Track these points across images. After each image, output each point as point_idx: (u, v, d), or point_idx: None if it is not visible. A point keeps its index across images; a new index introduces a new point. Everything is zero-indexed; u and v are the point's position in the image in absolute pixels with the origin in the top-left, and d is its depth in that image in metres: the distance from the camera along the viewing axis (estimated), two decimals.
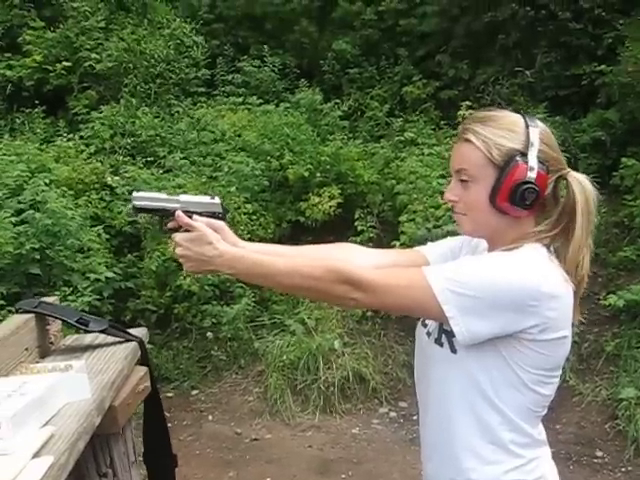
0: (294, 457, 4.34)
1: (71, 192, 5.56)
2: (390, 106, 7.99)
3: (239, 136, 6.81)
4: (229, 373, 5.33)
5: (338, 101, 7.63)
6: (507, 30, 7.55)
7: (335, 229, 6.30)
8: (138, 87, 7.09)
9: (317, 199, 6.25)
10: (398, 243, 5.38)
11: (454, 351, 1.51)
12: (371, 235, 6.00)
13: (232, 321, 5.24)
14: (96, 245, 5.23)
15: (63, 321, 1.57)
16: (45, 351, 1.55)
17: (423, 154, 6.23)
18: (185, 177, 5.96)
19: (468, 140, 1.51)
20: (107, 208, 5.69)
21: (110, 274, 5.09)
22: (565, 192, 1.54)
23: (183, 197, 1.62)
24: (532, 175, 1.47)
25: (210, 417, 4.86)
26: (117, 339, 1.59)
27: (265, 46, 8.37)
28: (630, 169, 5.97)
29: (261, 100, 7.53)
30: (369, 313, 5.52)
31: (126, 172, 5.97)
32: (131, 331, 1.63)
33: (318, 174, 6.38)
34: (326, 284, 1.47)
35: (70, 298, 4.71)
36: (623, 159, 6.07)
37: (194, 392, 5.15)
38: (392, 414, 4.89)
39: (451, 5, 7.87)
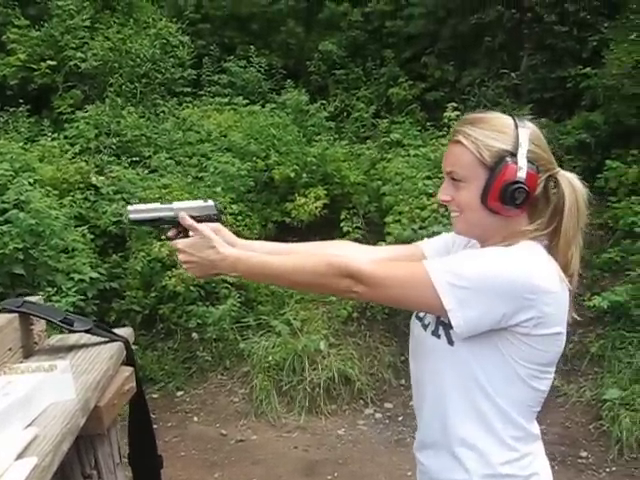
0: (280, 458, 4.32)
1: (55, 192, 5.52)
2: (376, 107, 8.02)
3: (225, 136, 6.80)
4: (214, 374, 5.31)
5: (324, 102, 7.63)
6: (493, 32, 7.59)
7: (321, 230, 6.29)
8: (123, 87, 7.06)
9: (303, 200, 6.24)
10: (384, 244, 5.38)
11: (451, 343, 1.52)
12: (357, 236, 5.99)
13: (217, 322, 5.22)
14: (80, 245, 5.19)
15: (47, 320, 1.56)
16: (29, 351, 1.53)
17: (409, 155, 6.25)
18: (171, 177, 5.94)
19: (459, 142, 1.53)
20: (92, 208, 5.65)
21: (95, 274, 5.06)
22: (555, 190, 1.56)
23: (176, 204, 1.65)
24: (522, 175, 1.49)
25: (195, 418, 4.83)
26: (102, 339, 1.57)
27: (251, 46, 8.36)
28: (614, 171, 6.02)
29: (247, 100, 7.53)
30: (355, 314, 5.52)
31: (111, 172, 5.94)
32: (116, 331, 1.62)
33: (304, 175, 6.37)
34: (329, 279, 1.50)
35: (54, 298, 4.67)
36: (607, 161, 6.12)
37: (179, 393, 5.12)
38: (378, 415, 4.89)
39: (437, 7, 7.90)
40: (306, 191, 6.32)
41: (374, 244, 5.66)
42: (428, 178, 5.77)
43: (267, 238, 6.15)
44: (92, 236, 5.42)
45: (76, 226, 5.35)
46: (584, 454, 4.32)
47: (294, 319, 5.40)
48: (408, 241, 5.44)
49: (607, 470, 4.20)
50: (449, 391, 1.55)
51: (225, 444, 4.52)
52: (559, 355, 1.55)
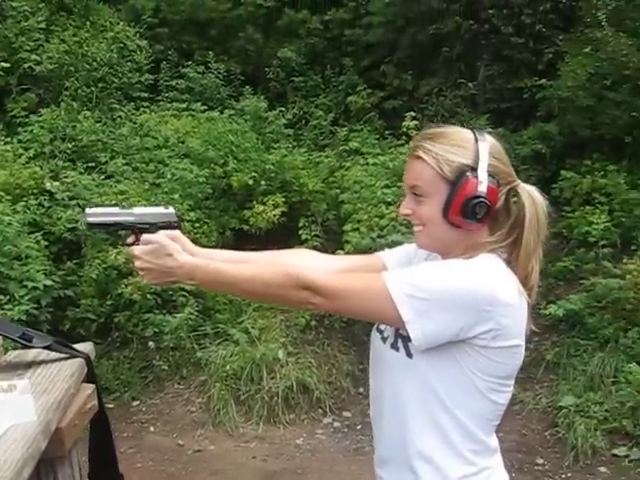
0: (238, 469, 4.28)
1: (8, 197, 5.38)
2: (335, 115, 8.05)
3: (182, 142, 6.72)
4: (171, 383, 5.24)
5: (283, 109, 7.61)
6: (451, 42, 7.67)
7: (279, 238, 6.26)
8: (79, 90, 6.93)
9: (261, 207, 6.21)
10: (342, 252, 5.37)
11: (410, 355, 1.52)
12: (315, 244, 5.97)
13: (174, 330, 5.14)
14: (34, 252, 5.07)
15: (5, 337, 1.50)
16: None
17: (368, 164, 6.27)
18: (127, 183, 5.85)
19: (419, 157, 1.54)
20: (46, 214, 5.52)
21: (49, 282, 4.94)
22: (515, 203, 1.57)
23: (137, 210, 1.62)
24: (482, 189, 1.50)
25: (152, 428, 4.76)
26: (62, 355, 1.52)
27: (210, 52, 8.29)
28: (568, 181, 6.13)
29: (205, 107, 7.45)
30: (313, 322, 5.50)
31: (66, 177, 5.82)
32: (77, 346, 1.56)
33: (262, 182, 6.35)
34: (286, 290, 1.49)
35: (7, 307, 4.55)
36: (562, 171, 6.24)
37: (135, 403, 5.04)
38: (336, 424, 4.88)
39: (396, 16, 7.95)
40: (264, 199, 6.30)
41: (333, 252, 5.69)
42: (387, 187, 5.80)
43: (225, 246, 6.10)
44: (46, 243, 5.30)
45: (30, 232, 5.22)
46: (540, 461, 4.37)
47: (252, 327, 5.36)
48: (367, 250, 5.46)
49: (563, 476, 4.25)
50: (408, 404, 1.54)
51: (182, 455, 4.45)
52: (518, 368, 1.57)
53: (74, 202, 5.61)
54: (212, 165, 6.34)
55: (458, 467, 1.53)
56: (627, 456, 4.36)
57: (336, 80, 8.44)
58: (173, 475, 4.22)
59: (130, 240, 1.60)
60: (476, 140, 1.53)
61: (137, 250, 1.56)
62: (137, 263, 1.56)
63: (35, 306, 4.77)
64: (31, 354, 1.55)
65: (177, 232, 1.64)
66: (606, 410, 4.59)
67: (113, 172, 6.08)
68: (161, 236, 1.56)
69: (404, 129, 6.32)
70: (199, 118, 7.18)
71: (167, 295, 5.38)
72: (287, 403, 4.93)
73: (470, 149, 1.52)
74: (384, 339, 1.61)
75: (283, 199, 6.27)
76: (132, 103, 7.42)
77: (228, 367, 5.01)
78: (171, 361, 5.31)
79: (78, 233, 5.49)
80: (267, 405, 4.86)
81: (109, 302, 5.31)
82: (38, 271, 4.95)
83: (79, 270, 5.43)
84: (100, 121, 6.75)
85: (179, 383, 5.23)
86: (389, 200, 5.66)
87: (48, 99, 6.90)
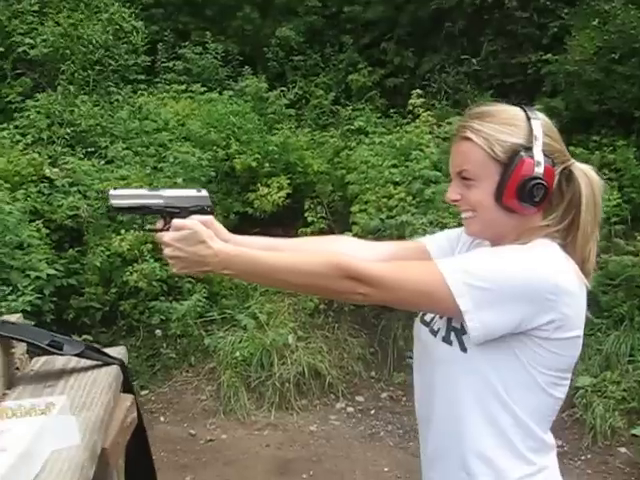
0: (252, 458, 4.20)
1: (7, 185, 5.26)
2: (335, 94, 7.91)
3: (183, 125, 6.58)
4: (179, 371, 5.15)
5: (284, 89, 7.46)
6: (453, 18, 7.53)
7: (284, 220, 6.16)
8: (76, 74, 6.76)
9: (266, 190, 6.09)
10: (350, 234, 5.27)
11: (464, 350, 1.42)
12: (322, 226, 5.88)
13: (182, 318, 5.05)
14: (36, 241, 4.95)
15: (33, 345, 1.36)
16: (11, 380, 1.33)
17: (374, 143, 6.14)
18: (129, 168, 5.72)
19: (467, 138, 1.44)
20: (46, 201, 5.39)
21: (52, 271, 4.82)
22: (569, 184, 1.47)
23: (166, 192, 1.47)
24: (539, 170, 1.41)
25: (162, 418, 4.67)
26: (94, 362, 1.39)
27: (207, 32, 8.13)
28: (577, 157, 5.85)
29: (205, 88, 7.30)
30: (322, 306, 5.40)
31: (65, 163, 5.68)
32: (109, 351, 1.43)
33: (266, 164, 6.22)
34: (331, 280, 1.38)
35: (10, 298, 4.44)
36: (570, 147, 6.03)
37: (143, 392, 4.93)
38: (349, 409, 4.80)
39: None
40: (268, 181, 6.17)
41: (340, 234, 5.61)
42: (394, 166, 5.68)
43: (228, 229, 5.97)
44: (47, 231, 5.17)
45: (30, 221, 5.09)
46: (559, 442, 4.27)
47: (260, 312, 5.26)
48: (376, 231, 5.37)
49: (582, 458, 4.18)
50: (463, 402, 1.44)
51: (195, 444, 4.37)
52: (576, 359, 1.47)
53: (74, 188, 5.49)
54: (214, 148, 6.21)
55: (517, 467, 1.44)
56: None
57: (336, 58, 8.31)
58: (187, 466, 4.13)
59: (159, 225, 1.46)
60: (528, 118, 1.43)
61: (167, 236, 1.41)
62: (166, 251, 1.42)
63: (38, 296, 4.66)
64: (60, 361, 1.42)
65: (210, 217, 1.50)
66: (624, 389, 4.52)
67: (113, 157, 5.94)
68: (194, 221, 1.42)
69: (410, 107, 6.19)
70: (199, 100, 7.03)
71: (173, 282, 5.27)
72: (299, 389, 4.85)
73: (522, 127, 1.42)
74: (434, 332, 1.50)
75: (287, 181, 6.14)
76: (129, 86, 7.26)
77: (238, 353, 4.91)
78: (179, 349, 5.22)
79: (80, 220, 5.38)
80: (279, 391, 4.78)
81: (114, 290, 5.21)
82: (40, 260, 4.83)
83: (82, 258, 5.31)
84: (98, 105, 6.60)
85: (187, 371, 5.14)
86: (397, 180, 5.55)
87: (44, 83, 6.74)
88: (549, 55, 6.67)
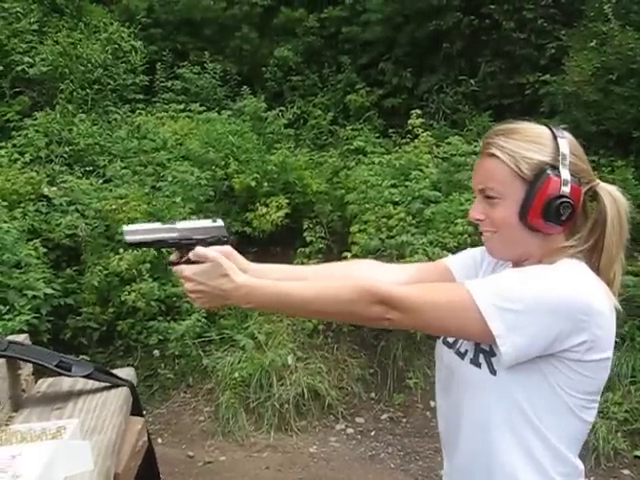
0: None
1: (5, 203, 5.23)
2: (334, 114, 7.92)
3: (181, 144, 6.58)
4: (177, 392, 5.09)
5: (282, 109, 7.47)
6: (451, 39, 7.56)
7: (282, 240, 6.15)
8: (74, 93, 6.76)
9: (264, 209, 6.06)
10: (350, 254, 5.25)
11: (493, 372, 1.39)
12: (320, 246, 5.86)
13: (180, 338, 5.00)
14: (33, 260, 4.90)
15: (40, 366, 1.32)
16: (17, 401, 1.29)
17: (373, 163, 6.13)
18: (127, 187, 5.69)
19: (493, 155, 1.42)
20: (44, 220, 5.36)
21: (49, 290, 4.78)
22: (594, 204, 1.45)
23: (181, 224, 1.43)
24: (566, 189, 1.38)
25: (159, 440, 4.61)
26: (102, 384, 1.34)
27: (205, 52, 8.15)
28: None
29: (203, 107, 7.31)
30: (321, 326, 5.37)
31: (64, 182, 5.66)
32: (117, 372, 1.39)
33: (265, 184, 6.20)
34: (359, 306, 1.35)
35: (7, 317, 4.40)
36: None
37: None
38: (349, 430, 4.74)
39: (395, 13, 7.82)
40: (267, 200, 6.15)
41: (339, 254, 5.58)
42: (394, 186, 5.67)
43: None
44: (45, 250, 5.14)
45: (28, 239, 5.06)
46: None
47: (258, 333, 5.22)
48: (376, 251, 5.35)
49: None
50: (493, 425, 1.41)
51: (193, 467, 4.31)
52: (605, 382, 1.44)
53: (72, 207, 5.46)
54: (213, 167, 6.19)
55: None
56: None
57: (334, 79, 8.33)
58: None
59: (173, 257, 1.43)
60: (554, 136, 1.41)
61: (188, 270, 1.37)
62: (188, 285, 1.38)
63: (35, 315, 4.62)
64: (67, 383, 1.37)
65: (229, 248, 1.46)
66: (626, 411, 4.50)
67: (112, 176, 5.93)
68: (216, 253, 1.38)
69: (409, 127, 6.20)
70: (197, 119, 7.04)
71: (171, 302, 5.23)
72: (298, 410, 4.80)
73: (549, 145, 1.40)
74: (460, 354, 1.47)
75: (286, 201, 6.12)
76: (128, 105, 7.27)
77: (236, 374, 4.87)
78: (177, 369, 5.16)
79: (77, 239, 5.34)
80: (278, 413, 4.73)
81: (111, 310, 5.16)
82: (38, 279, 4.79)
83: (79, 277, 5.27)
84: (96, 124, 6.59)
85: (186, 392, 5.08)
86: (396, 200, 5.53)
87: (42, 102, 6.73)
88: (547, 76, 6.70)
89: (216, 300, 1.39)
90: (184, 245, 1.41)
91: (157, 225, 1.44)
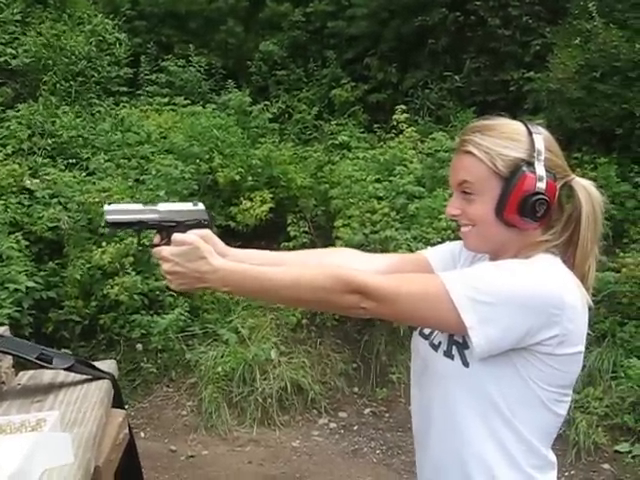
0: (234, 475, 4.14)
1: None
2: (318, 109, 7.91)
3: (165, 138, 6.55)
4: (160, 386, 5.07)
5: (267, 103, 7.45)
6: (436, 35, 7.56)
7: (266, 234, 6.13)
8: (58, 85, 6.71)
9: (248, 203, 6.04)
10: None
11: (466, 364, 1.40)
12: (304, 241, 5.86)
13: (163, 332, 4.98)
14: (15, 253, 4.87)
15: (21, 358, 1.31)
16: None
17: (357, 158, 6.14)
18: (110, 180, 5.66)
19: (469, 152, 1.43)
20: (26, 213, 5.32)
21: (31, 284, 4.75)
22: (569, 199, 1.47)
23: (162, 206, 1.45)
24: (541, 185, 1.40)
25: (142, 434, 4.60)
26: (83, 376, 1.34)
27: (190, 45, 8.11)
28: None
29: (187, 101, 7.27)
30: (304, 321, 5.37)
31: (46, 175, 5.61)
32: (99, 365, 1.38)
33: (249, 178, 6.18)
34: (335, 295, 1.36)
35: None
36: None
37: None
38: (332, 425, 4.76)
39: (380, 8, 7.81)
40: (251, 195, 6.13)
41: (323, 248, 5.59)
42: (378, 181, 5.68)
43: None
44: (27, 243, 5.10)
45: (10, 232, 5.02)
46: None
47: (242, 327, 5.21)
48: (359, 246, 5.35)
49: (566, 474, 4.17)
50: (464, 418, 1.42)
51: (175, 461, 4.30)
52: (577, 376, 1.45)
53: (55, 200, 5.42)
54: (197, 161, 6.16)
55: None
56: (629, 452, 4.30)
57: (319, 73, 8.31)
58: None
59: (156, 240, 1.44)
60: (529, 132, 1.43)
61: (166, 251, 1.38)
62: (165, 266, 1.38)
63: (17, 309, 4.59)
64: (48, 375, 1.36)
65: (209, 231, 1.47)
66: (606, 406, 4.53)
67: (95, 169, 5.89)
68: (194, 237, 1.39)
69: (394, 122, 6.21)
70: (181, 113, 7.00)
71: (154, 295, 5.21)
72: (281, 404, 4.80)
73: (524, 142, 1.42)
74: (434, 346, 1.48)
75: (270, 195, 6.11)
76: (112, 98, 7.23)
77: (219, 368, 4.86)
78: (159, 363, 5.14)
79: (60, 232, 5.30)
80: (261, 407, 4.73)
81: (94, 303, 5.13)
82: (19, 272, 4.76)
83: (62, 271, 5.23)
84: (80, 116, 6.54)
85: (168, 386, 5.07)
86: (380, 195, 5.55)
87: (25, 94, 6.67)
88: (531, 73, 6.73)
89: (192, 282, 1.39)
90: (165, 227, 1.42)
91: (139, 206, 1.45)
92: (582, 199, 1.44)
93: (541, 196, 1.39)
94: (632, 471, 4.16)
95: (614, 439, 4.39)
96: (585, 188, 1.45)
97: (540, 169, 1.39)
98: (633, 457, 4.26)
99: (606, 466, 4.25)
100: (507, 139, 1.42)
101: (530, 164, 1.39)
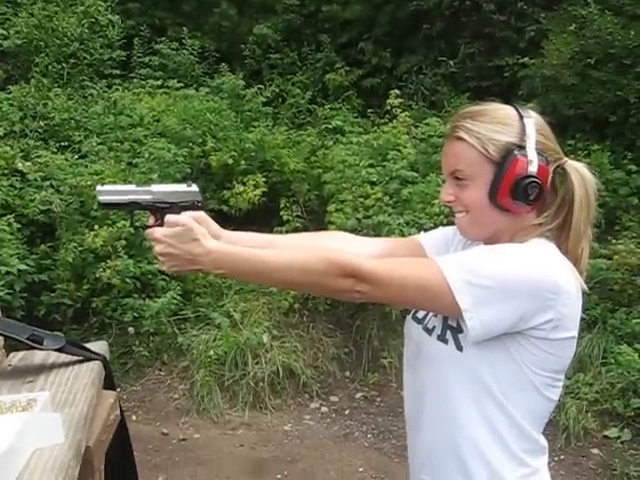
0: (226, 458, 4.15)
1: None
2: (312, 93, 7.88)
3: (158, 121, 6.51)
4: (152, 369, 5.08)
5: (261, 87, 7.42)
6: (431, 20, 7.54)
7: (259, 218, 6.11)
8: (50, 67, 6.65)
9: (241, 187, 6.04)
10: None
11: (460, 348, 1.41)
12: (297, 225, 5.85)
13: (155, 315, 4.98)
14: (7, 235, 4.85)
15: (12, 339, 1.31)
16: None
17: (351, 142, 6.12)
18: (103, 163, 5.63)
19: (460, 138, 1.43)
20: (18, 195, 5.29)
21: (22, 266, 4.74)
22: (562, 182, 1.47)
23: (155, 187, 1.44)
24: (533, 169, 1.40)
25: (134, 417, 4.60)
26: (75, 357, 1.34)
27: (184, 28, 8.05)
28: None
29: (181, 84, 7.23)
30: (296, 305, 5.37)
31: (38, 157, 5.57)
32: (90, 346, 1.38)
33: (242, 162, 6.16)
34: (329, 278, 1.35)
35: None
36: None
37: None
38: (324, 409, 4.77)
39: None
40: (244, 179, 6.12)
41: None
42: (371, 166, 5.68)
43: None
44: (19, 225, 5.08)
45: (1, 215, 5.00)
46: None
47: (234, 311, 5.22)
48: (352, 230, 5.35)
49: (555, 459, 4.19)
50: (456, 402, 1.42)
51: (167, 444, 4.31)
52: (570, 361, 1.46)
53: (47, 183, 5.39)
54: (190, 144, 6.14)
55: (512, 468, 1.44)
56: (618, 437, 4.34)
57: (313, 57, 8.28)
58: (159, 466, 4.07)
59: (150, 221, 1.43)
60: (520, 117, 1.43)
61: (159, 233, 1.38)
62: (157, 248, 1.38)
63: (9, 292, 4.58)
64: (39, 356, 1.36)
65: (202, 213, 1.47)
66: (596, 391, 4.56)
67: (87, 152, 5.85)
68: (188, 218, 1.38)
69: (388, 107, 6.19)
70: (174, 96, 6.96)
71: (146, 279, 5.20)
72: (273, 388, 4.81)
73: (515, 126, 1.42)
74: (428, 330, 1.48)
75: (263, 179, 6.10)
76: (104, 80, 7.16)
77: (211, 352, 4.87)
78: (151, 347, 5.14)
79: (52, 215, 5.28)
80: (253, 391, 4.74)
81: (86, 286, 5.11)
82: (11, 255, 4.74)
83: (54, 254, 5.21)
84: (72, 99, 6.49)
85: (160, 369, 5.07)
86: (374, 180, 5.54)
87: (17, 75, 6.61)
88: (526, 59, 6.70)
89: (185, 264, 1.39)
90: (158, 208, 1.41)
91: (132, 187, 1.44)
92: (575, 181, 1.44)
93: (533, 179, 1.39)
94: (620, 456, 4.19)
95: (603, 424, 4.42)
96: (578, 170, 1.46)
97: (531, 152, 1.40)
98: (622, 442, 4.29)
99: (595, 451, 4.28)
100: (498, 124, 1.42)
101: (522, 148, 1.40)
